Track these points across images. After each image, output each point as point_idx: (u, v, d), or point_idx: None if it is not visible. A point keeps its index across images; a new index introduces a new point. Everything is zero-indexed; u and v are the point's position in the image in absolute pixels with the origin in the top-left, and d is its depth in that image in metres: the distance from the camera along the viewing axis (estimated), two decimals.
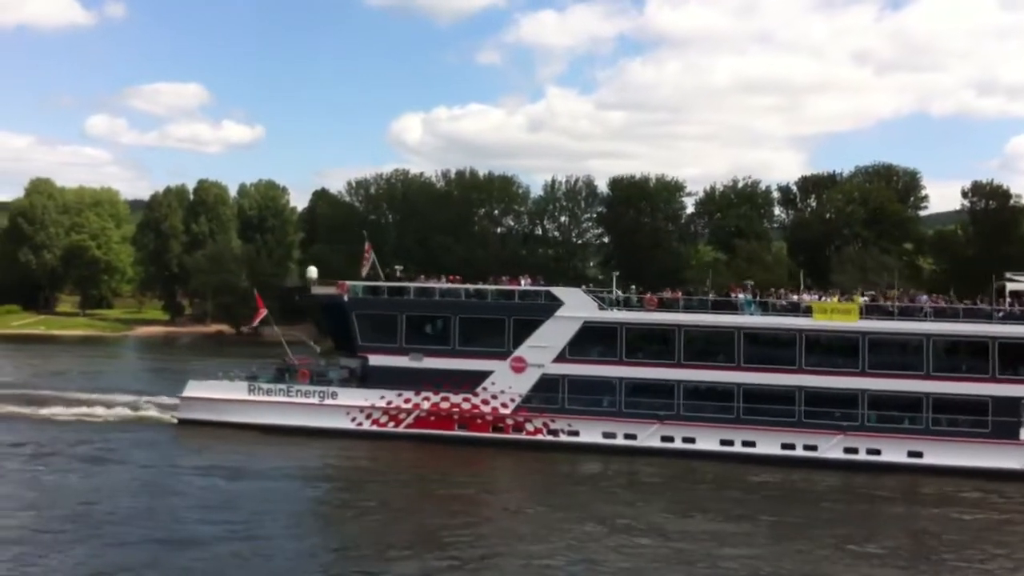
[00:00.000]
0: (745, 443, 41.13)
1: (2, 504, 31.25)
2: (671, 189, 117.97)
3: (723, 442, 41.25)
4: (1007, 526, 33.26)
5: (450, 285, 46.57)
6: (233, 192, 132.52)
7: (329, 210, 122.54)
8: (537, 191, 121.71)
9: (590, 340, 43.24)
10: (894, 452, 39.91)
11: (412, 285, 46.55)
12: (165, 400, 50.10)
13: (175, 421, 46.41)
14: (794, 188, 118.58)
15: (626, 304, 44.06)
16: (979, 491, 36.84)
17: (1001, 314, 41.02)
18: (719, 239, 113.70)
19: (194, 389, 46.26)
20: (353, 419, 44.42)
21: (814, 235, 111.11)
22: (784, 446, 40.81)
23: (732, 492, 36.33)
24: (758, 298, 43.60)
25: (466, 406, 43.56)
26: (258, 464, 38.64)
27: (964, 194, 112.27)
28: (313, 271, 48.75)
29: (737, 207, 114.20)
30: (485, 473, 40.01)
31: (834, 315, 41.60)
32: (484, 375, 43.49)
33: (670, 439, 41.71)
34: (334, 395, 44.81)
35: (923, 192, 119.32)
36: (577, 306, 43.51)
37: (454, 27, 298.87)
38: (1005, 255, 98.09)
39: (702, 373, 42.04)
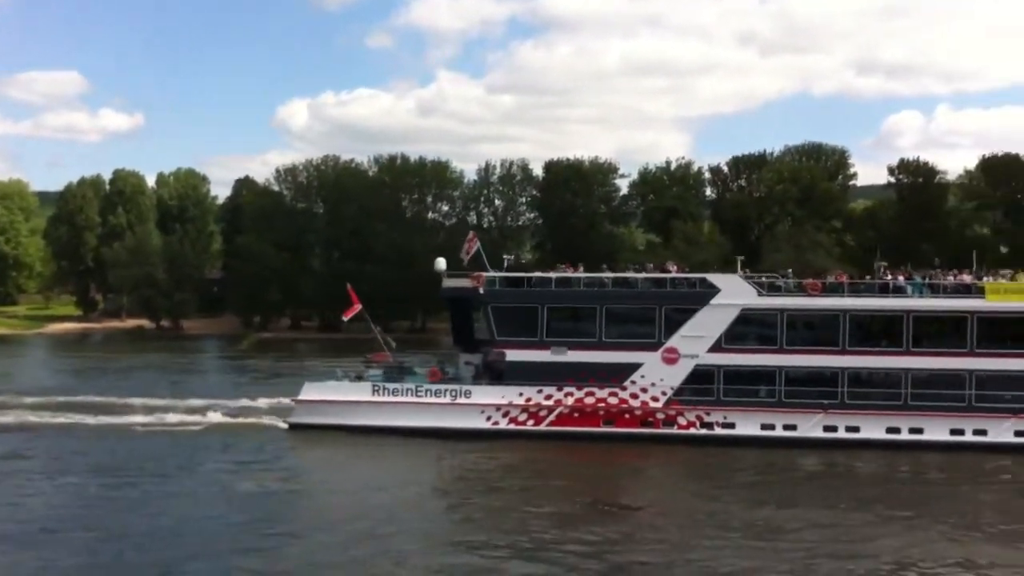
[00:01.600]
0: (912, 430, 39.75)
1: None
2: (605, 171, 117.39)
3: (889, 430, 39.81)
4: None
5: (593, 275, 43.24)
6: (151, 182, 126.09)
7: (255, 199, 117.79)
8: (471, 176, 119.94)
9: (749, 328, 40.92)
10: None
11: (553, 275, 43.29)
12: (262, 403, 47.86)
13: (285, 426, 43.04)
14: (725, 168, 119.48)
15: (790, 290, 41.33)
16: None
17: None
18: (652, 221, 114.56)
19: (312, 391, 42.79)
20: (489, 418, 41.68)
21: (744, 214, 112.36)
22: (954, 431, 39.55)
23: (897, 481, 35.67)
24: (926, 279, 41.30)
25: (613, 401, 41.23)
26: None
27: (891, 171, 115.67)
28: (442, 262, 44.49)
29: (669, 188, 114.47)
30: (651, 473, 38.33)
31: (1009, 295, 39.64)
32: (633, 367, 41.10)
33: (834, 428, 40.08)
34: (468, 394, 41.91)
35: (851, 170, 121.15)
36: (735, 293, 41.14)
37: (343, 10, 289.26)
38: (929, 230, 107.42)
39: (868, 360, 40.08)
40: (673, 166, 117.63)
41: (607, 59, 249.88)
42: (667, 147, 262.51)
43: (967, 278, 42.30)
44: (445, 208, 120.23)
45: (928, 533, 28.58)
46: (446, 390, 42.08)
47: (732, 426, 40.73)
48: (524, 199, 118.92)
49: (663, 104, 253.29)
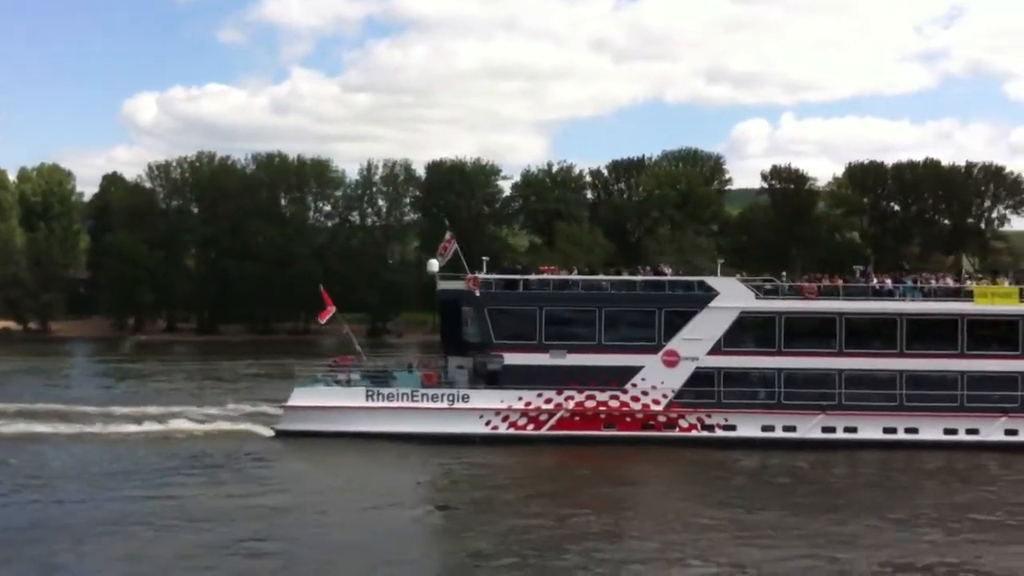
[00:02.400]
0: (908, 430, 40.47)
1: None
2: (487, 173, 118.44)
3: (886, 430, 40.47)
4: None
5: (591, 277, 42.97)
6: (12, 176, 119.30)
7: (125, 196, 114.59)
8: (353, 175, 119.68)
9: (748, 331, 41.20)
10: None
11: (551, 277, 43.01)
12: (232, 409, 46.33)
13: (268, 434, 41.56)
14: (605, 171, 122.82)
15: (786, 292, 41.76)
16: None
17: None
18: (535, 223, 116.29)
19: (302, 397, 41.31)
20: (488, 423, 40.93)
21: (624, 217, 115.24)
22: (947, 431, 40.41)
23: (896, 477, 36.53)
24: (918, 283, 42.26)
25: (614, 404, 40.95)
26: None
27: (764, 177, 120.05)
28: (434, 264, 43.50)
29: (551, 190, 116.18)
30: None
31: (995, 299, 40.79)
32: (634, 370, 40.94)
33: (832, 430, 40.56)
34: (465, 398, 41.09)
35: (727, 176, 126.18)
36: (733, 295, 41.40)
37: (193, 3, 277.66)
38: (801, 235, 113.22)
39: (863, 361, 40.73)
40: (555, 168, 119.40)
41: (464, 60, 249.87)
42: (526, 149, 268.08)
43: (950, 282, 43.51)
44: (327, 208, 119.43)
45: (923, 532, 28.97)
46: (443, 394, 41.16)
47: (733, 428, 40.87)
48: (408, 200, 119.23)
49: (520, 107, 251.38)
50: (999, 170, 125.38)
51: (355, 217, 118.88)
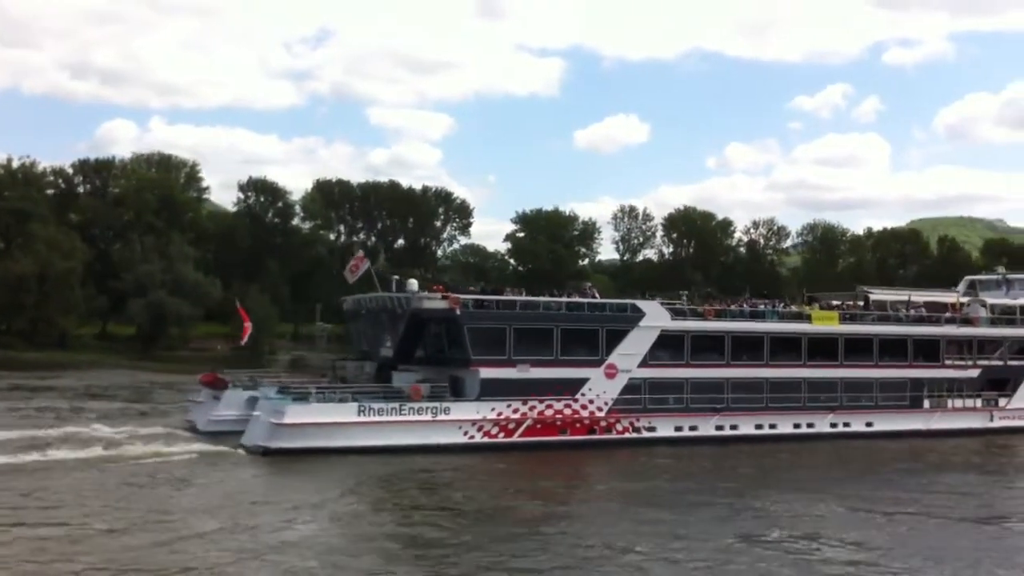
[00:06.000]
0: (770, 426, 50.99)
1: None
2: None
3: (757, 426, 50.63)
4: None
5: (550, 299, 47.90)
6: None
7: None
8: None
9: (665, 347, 48.86)
10: (859, 423, 53.09)
11: (517, 299, 47.13)
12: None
13: (248, 454, 41.30)
14: (70, 170, 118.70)
15: (692, 315, 50.17)
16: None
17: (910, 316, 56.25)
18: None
19: (296, 415, 41.42)
20: (466, 433, 44.39)
21: (96, 219, 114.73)
22: (795, 425, 51.58)
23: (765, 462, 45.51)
24: (777, 307, 53.08)
25: (567, 412, 46.44)
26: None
27: (241, 188, 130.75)
28: (414, 283, 45.44)
29: (12, 188, 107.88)
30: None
31: (825, 320, 52.97)
32: (582, 382, 46.74)
33: (721, 427, 49.81)
34: (447, 410, 44.08)
35: (204, 183, 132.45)
36: (656, 316, 48.75)
37: None
38: (279, 247, 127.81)
39: (743, 371, 50.53)
40: (15, 164, 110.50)
41: None
42: None
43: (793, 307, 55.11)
44: None
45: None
46: (427, 407, 43.77)
47: (654, 429, 48.27)
48: None
49: None
50: (448, 194, 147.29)
51: None
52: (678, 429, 48.69)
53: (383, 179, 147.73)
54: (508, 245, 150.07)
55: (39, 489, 33.09)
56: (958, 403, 56.04)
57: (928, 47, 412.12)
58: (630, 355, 47.90)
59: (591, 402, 46.94)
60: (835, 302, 58.32)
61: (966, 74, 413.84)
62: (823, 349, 52.86)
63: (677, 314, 50.11)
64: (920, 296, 61.62)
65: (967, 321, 57.88)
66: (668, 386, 48.84)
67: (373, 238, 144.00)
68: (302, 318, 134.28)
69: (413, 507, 33.34)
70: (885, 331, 54.79)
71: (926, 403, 55.07)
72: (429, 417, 43.65)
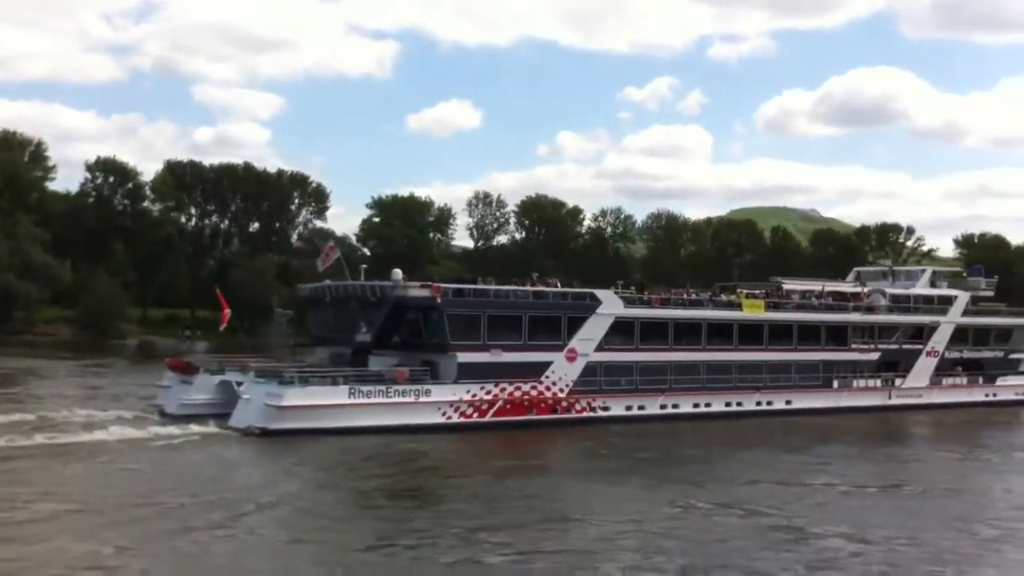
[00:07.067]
0: (706, 404, 55.83)
1: None
2: None
3: (695, 405, 55.36)
4: None
5: (518, 288, 50.99)
6: None
7: None
8: None
9: (617, 332, 52.80)
10: (780, 402, 58.54)
11: (489, 287, 49.96)
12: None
13: (244, 434, 43.18)
14: None
15: (640, 303, 54.31)
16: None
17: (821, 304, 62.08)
18: None
19: (295, 397, 43.46)
20: (444, 413, 47.28)
21: None
22: (727, 404, 56.59)
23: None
24: (711, 296, 57.88)
25: (533, 393, 49.86)
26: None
27: (88, 168, 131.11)
28: (398, 273, 47.71)
29: None
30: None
31: (753, 308, 58.15)
32: (547, 365, 50.19)
33: (665, 406, 54.31)
34: (428, 392, 46.85)
35: (51, 163, 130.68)
36: (611, 304, 52.60)
37: None
38: (121, 228, 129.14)
39: (683, 355, 55.10)
40: None
41: None
42: None
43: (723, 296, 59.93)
44: None
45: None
46: (410, 390, 46.42)
47: (608, 409, 52.18)
48: None
49: None
50: (304, 178, 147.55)
51: None
52: (628, 408, 52.75)
53: (217, 160, 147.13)
54: (357, 230, 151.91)
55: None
56: (861, 383, 62.15)
57: (750, 43, 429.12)
58: (588, 340, 51.62)
59: (554, 384, 50.45)
60: (756, 292, 63.58)
61: (785, 71, 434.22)
62: (751, 335, 57.81)
63: (629, 302, 54.13)
64: (829, 287, 67.75)
65: (870, 309, 64.17)
66: (620, 369, 52.76)
67: (227, 221, 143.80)
68: (151, 302, 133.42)
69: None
70: (803, 318, 60.29)
71: (835, 383, 60.91)
72: (412, 399, 46.31)
